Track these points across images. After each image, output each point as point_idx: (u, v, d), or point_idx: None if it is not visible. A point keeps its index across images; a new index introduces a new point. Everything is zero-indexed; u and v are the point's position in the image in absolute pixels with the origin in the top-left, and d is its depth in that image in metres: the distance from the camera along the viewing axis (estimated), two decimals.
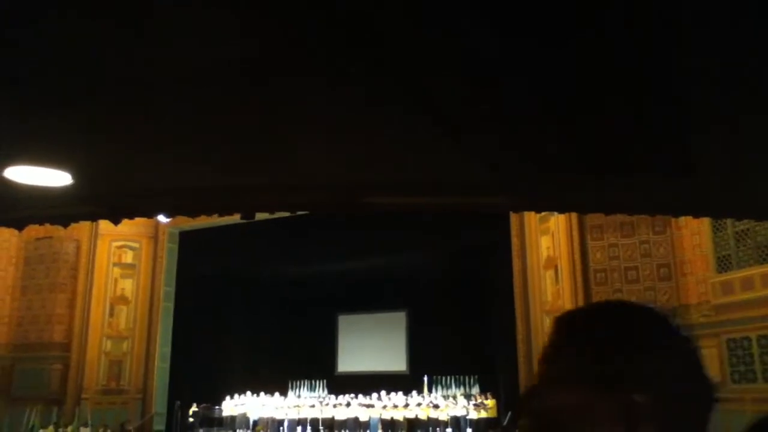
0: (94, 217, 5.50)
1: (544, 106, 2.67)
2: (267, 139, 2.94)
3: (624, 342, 0.94)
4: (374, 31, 2.17)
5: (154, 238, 21.73)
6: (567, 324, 1.03)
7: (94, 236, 21.06)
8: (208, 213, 4.86)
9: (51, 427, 17.89)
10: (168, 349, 20.87)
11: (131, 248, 21.60)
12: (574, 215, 12.98)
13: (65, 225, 5.35)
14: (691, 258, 11.96)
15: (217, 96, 2.59)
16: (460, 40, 2.17)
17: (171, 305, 21.34)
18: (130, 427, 18.35)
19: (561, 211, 6.75)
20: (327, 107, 2.73)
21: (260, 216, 5.38)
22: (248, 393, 18.96)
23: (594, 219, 12.90)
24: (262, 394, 18.80)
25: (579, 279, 13.16)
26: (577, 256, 13.33)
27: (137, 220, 5.68)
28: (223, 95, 2.60)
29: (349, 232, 15.95)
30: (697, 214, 4.54)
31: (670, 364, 0.93)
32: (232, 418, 18.68)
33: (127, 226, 13.20)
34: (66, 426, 18.21)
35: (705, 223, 11.29)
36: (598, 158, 3.35)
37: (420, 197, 4.18)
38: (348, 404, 17.53)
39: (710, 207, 4.61)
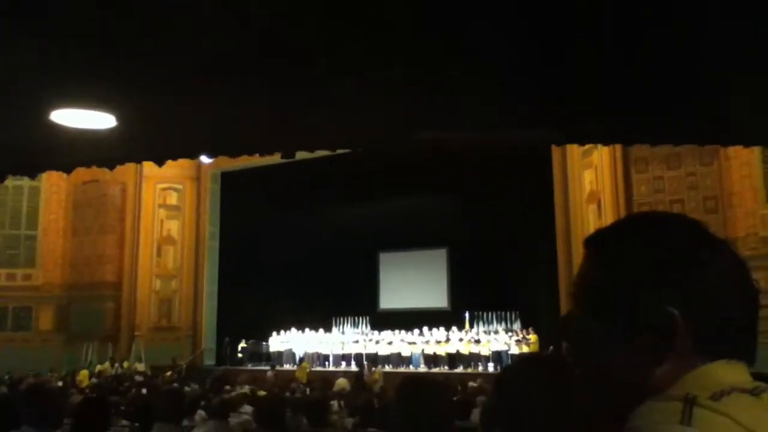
0: (139, 159, 5.59)
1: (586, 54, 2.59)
2: (312, 81, 2.93)
3: (659, 258, 0.91)
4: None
5: (197, 180, 22.08)
6: (597, 245, 1.01)
7: (139, 179, 21.48)
8: (250, 153, 4.88)
9: (107, 363, 18.72)
10: (215, 288, 21.46)
11: (175, 190, 22.01)
12: (618, 148, 12.71)
13: (111, 167, 5.45)
14: (739, 190, 11.67)
15: (260, 42, 2.58)
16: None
17: (216, 244, 21.83)
18: (182, 362, 19.08)
19: (605, 142, 6.61)
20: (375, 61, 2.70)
21: (300, 155, 5.40)
22: (293, 329, 19.45)
23: (639, 151, 12.62)
24: (307, 330, 19.26)
25: (622, 213, 12.97)
26: (621, 189, 13.13)
27: (180, 162, 5.78)
28: (267, 38, 2.59)
29: (390, 171, 15.94)
30: (747, 143, 4.40)
31: (709, 279, 0.90)
32: (279, 354, 19.24)
33: (170, 168, 13.38)
34: (122, 361, 19.04)
35: (755, 154, 10.97)
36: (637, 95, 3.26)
37: (465, 133, 4.13)
38: (390, 342, 17.86)
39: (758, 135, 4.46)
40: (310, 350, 18.89)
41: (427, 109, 3.54)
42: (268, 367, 17.20)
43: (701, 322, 0.86)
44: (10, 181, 19.65)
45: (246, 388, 10.48)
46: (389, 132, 3.84)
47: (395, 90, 3.25)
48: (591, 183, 14.37)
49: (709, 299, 0.88)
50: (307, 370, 16.50)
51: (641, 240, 0.94)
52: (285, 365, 18.49)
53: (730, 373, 0.85)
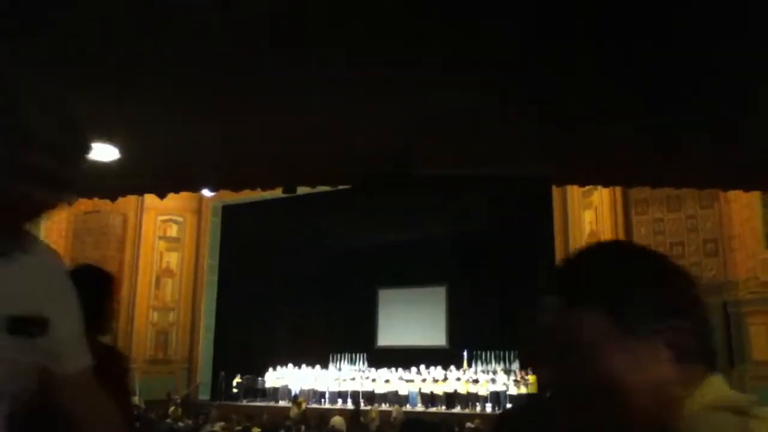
0: (140, 191, 5.61)
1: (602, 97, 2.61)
2: (314, 110, 2.95)
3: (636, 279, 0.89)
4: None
5: (198, 212, 22.07)
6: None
7: (140, 210, 21.47)
8: (251, 187, 4.90)
9: None
10: (212, 321, 21.30)
11: (176, 222, 21.98)
12: (618, 189, 12.73)
13: (113, 199, 5.47)
14: (739, 233, 11.66)
15: (263, 70, 2.61)
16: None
17: (215, 278, 21.72)
18: (177, 396, 18.83)
19: (605, 183, 6.63)
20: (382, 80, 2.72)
21: (301, 190, 5.40)
22: (290, 365, 19.25)
23: (639, 193, 12.65)
24: (303, 366, 19.07)
25: None
26: (621, 230, 13.12)
27: (182, 194, 5.79)
28: (269, 69, 2.62)
29: (389, 206, 15.96)
30: (748, 187, 4.41)
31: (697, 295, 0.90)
32: (275, 389, 19.01)
33: (171, 200, 13.30)
34: None
35: (755, 197, 10.98)
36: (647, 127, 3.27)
37: (465, 169, 4.15)
38: (387, 380, 17.66)
39: (759, 179, 4.47)
40: (306, 387, 18.67)
41: (428, 144, 3.56)
42: (263, 403, 16.96)
43: (698, 333, 0.86)
44: None
45: (218, 426, 10.32)
46: (388, 168, 3.85)
47: (397, 126, 3.27)
48: (591, 223, 14.37)
49: (701, 311, 0.89)
50: (303, 407, 16.28)
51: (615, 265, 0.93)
52: (280, 401, 18.26)
53: (725, 384, 0.85)
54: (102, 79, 2.75)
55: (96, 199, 5.31)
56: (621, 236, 13.19)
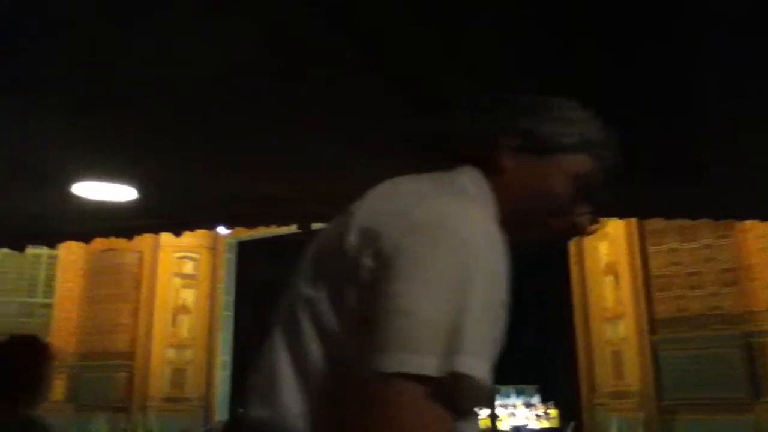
0: (157, 230, 5.66)
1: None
2: (324, 150, 3.00)
3: None
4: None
5: (213, 249, 22.16)
6: None
7: (156, 248, 21.59)
8: (266, 224, 4.95)
9: None
10: (228, 358, 21.23)
11: (191, 259, 22.07)
12: (633, 220, 12.69)
13: (130, 238, 5.54)
14: (757, 262, 11.54)
15: (276, 110, 2.66)
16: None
17: (231, 314, 21.71)
18: None
19: (620, 216, 6.62)
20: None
21: (316, 226, 5.44)
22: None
23: (654, 223, 12.59)
24: None
25: (640, 285, 12.86)
26: (637, 261, 13.02)
27: (196, 231, 5.86)
28: (282, 109, 2.67)
29: None
30: (765, 218, 4.39)
31: None
32: None
33: (186, 237, 13.33)
34: None
35: None
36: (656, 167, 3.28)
37: None
38: None
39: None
40: None
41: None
42: None
43: None
44: (29, 250, 19.81)
45: None
46: None
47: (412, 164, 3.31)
48: (607, 254, 14.29)
49: None
50: None
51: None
52: None
53: None
54: (122, 122, 2.82)
55: (112, 238, 5.38)
56: (638, 267, 13.10)
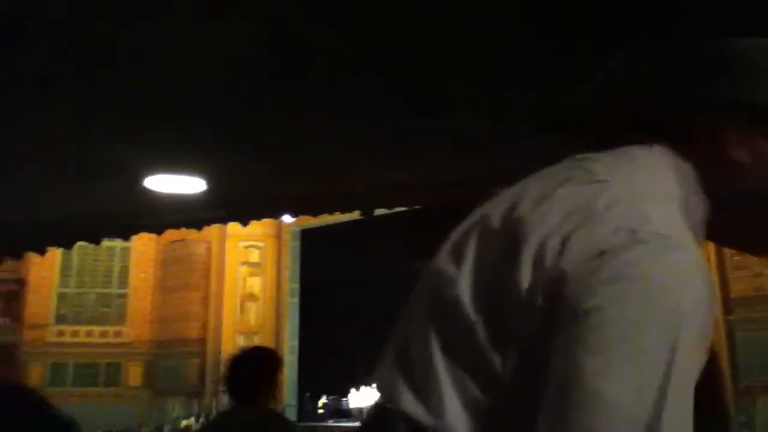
0: (226, 220, 5.80)
1: None
2: (393, 138, 3.01)
3: None
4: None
5: (278, 238, 22.55)
6: None
7: (223, 238, 22.10)
8: (330, 211, 5.00)
9: (192, 418, 19.01)
10: (296, 343, 21.63)
11: (257, 247, 22.52)
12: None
13: (199, 228, 5.69)
14: None
15: (340, 99, 2.69)
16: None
17: (296, 301, 22.09)
18: None
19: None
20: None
21: (379, 212, 5.47)
22: (374, 384, 19.28)
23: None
24: None
25: (714, 264, 12.44)
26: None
27: (261, 220, 5.99)
28: (345, 98, 2.69)
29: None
30: None
31: None
32: (360, 410, 19.10)
33: (251, 226, 13.55)
34: (206, 417, 19.31)
35: None
36: None
37: None
38: None
39: None
40: None
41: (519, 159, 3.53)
42: (349, 424, 17.06)
43: None
44: (104, 243, 20.52)
45: None
46: (473, 186, 3.86)
47: (479, 142, 3.28)
48: None
49: None
50: None
51: None
52: None
53: None
54: (192, 116, 2.89)
55: (182, 229, 5.53)
56: (712, 245, 12.63)
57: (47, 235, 6.05)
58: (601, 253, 0.88)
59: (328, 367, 20.23)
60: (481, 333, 1.00)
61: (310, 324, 22.20)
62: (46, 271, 22.02)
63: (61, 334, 22.00)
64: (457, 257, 1.17)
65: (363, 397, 20.53)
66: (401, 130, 3.01)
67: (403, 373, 1.22)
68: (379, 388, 1.32)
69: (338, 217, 14.32)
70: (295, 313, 22.70)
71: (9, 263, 14.04)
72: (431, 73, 2.44)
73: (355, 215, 5.31)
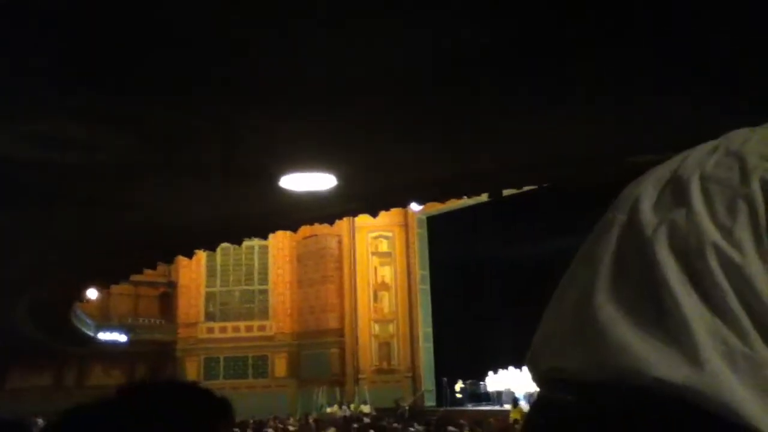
0: (356, 213, 6.01)
1: None
2: (519, 116, 3.04)
3: None
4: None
5: (405, 226, 22.88)
6: None
7: (353, 231, 22.72)
8: (458, 196, 5.06)
9: (336, 406, 19.78)
10: (430, 330, 21.91)
11: (385, 238, 22.98)
12: None
13: (331, 223, 5.93)
14: None
15: (464, 87, 2.75)
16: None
17: (427, 287, 22.35)
18: (405, 404, 19.57)
19: None
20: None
21: (505, 193, 5.45)
22: (510, 368, 19.17)
23: None
24: (524, 368, 18.83)
25: None
26: None
27: (389, 211, 6.13)
28: (470, 87, 2.76)
29: (598, 203, 15.38)
30: None
31: None
32: (498, 393, 19.04)
33: (379, 217, 13.75)
34: (349, 404, 20.01)
35: None
36: None
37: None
38: None
39: None
40: (531, 389, 18.48)
41: (643, 130, 3.45)
42: (488, 407, 17.09)
43: None
44: (244, 242, 21.63)
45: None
46: (600, 161, 3.81)
47: (607, 115, 3.24)
48: None
49: None
50: (524, 411, 16.12)
51: None
52: (505, 405, 18.24)
53: None
54: (323, 117, 3.06)
55: (315, 225, 5.79)
56: None
57: (195, 238, 6.52)
58: None
59: (463, 351, 20.33)
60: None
61: (441, 310, 22.42)
62: (194, 272, 23.67)
63: (210, 330, 23.60)
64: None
65: (500, 381, 20.50)
66: (539, 106, 3.02)
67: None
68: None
69: (462, 203, 14.28)
70: (427, 299, 22.98)
71: (161, 268, 15.20)
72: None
73: (479, 198, 5.33)
